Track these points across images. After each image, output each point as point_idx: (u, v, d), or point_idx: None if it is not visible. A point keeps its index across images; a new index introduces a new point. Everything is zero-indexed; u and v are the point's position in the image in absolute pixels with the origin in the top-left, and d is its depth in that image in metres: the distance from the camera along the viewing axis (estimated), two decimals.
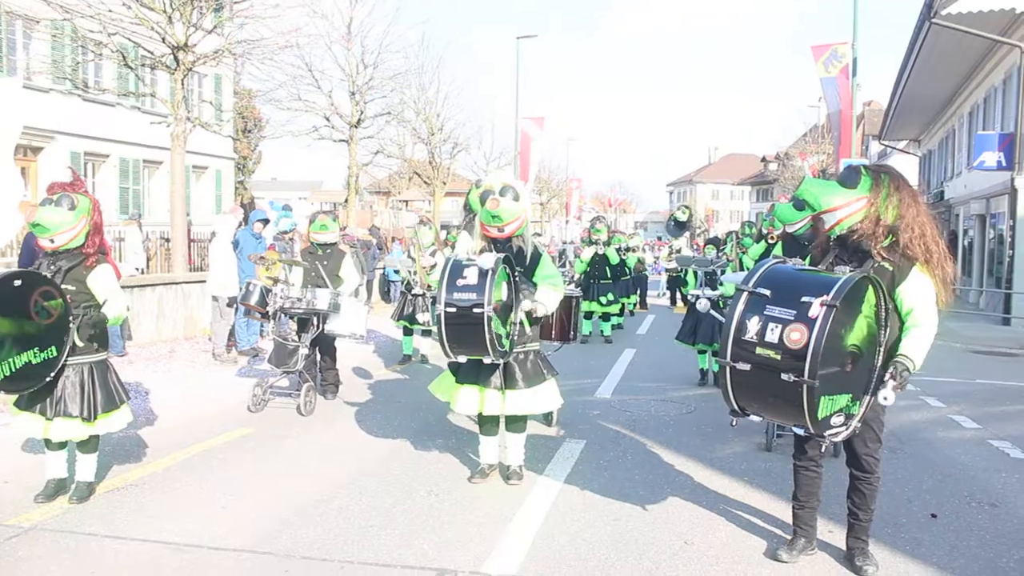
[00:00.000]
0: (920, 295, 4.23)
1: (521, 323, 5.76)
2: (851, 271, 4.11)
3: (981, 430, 8.00)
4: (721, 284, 9.50)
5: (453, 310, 5.25)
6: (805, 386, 3.77)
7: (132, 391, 9.07)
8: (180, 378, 10.27)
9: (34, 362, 5.08)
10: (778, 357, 3.87)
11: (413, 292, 11.21)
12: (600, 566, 4.51)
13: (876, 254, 4.29)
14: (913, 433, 7.67)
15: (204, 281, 12.89)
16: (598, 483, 6.01)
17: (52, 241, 5.31)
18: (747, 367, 3.96)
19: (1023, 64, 18.06)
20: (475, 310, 5.19)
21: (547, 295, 5.81)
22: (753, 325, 3.96)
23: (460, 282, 5.28)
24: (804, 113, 51.81)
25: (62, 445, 5.59)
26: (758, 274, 4.10)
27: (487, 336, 5.21)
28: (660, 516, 5.34)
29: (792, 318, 3.86)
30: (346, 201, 24.99)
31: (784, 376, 3.83)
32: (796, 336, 3.82)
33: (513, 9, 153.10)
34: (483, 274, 5.26)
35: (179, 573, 4.39)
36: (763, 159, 76.51)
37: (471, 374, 5.79)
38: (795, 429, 4.18)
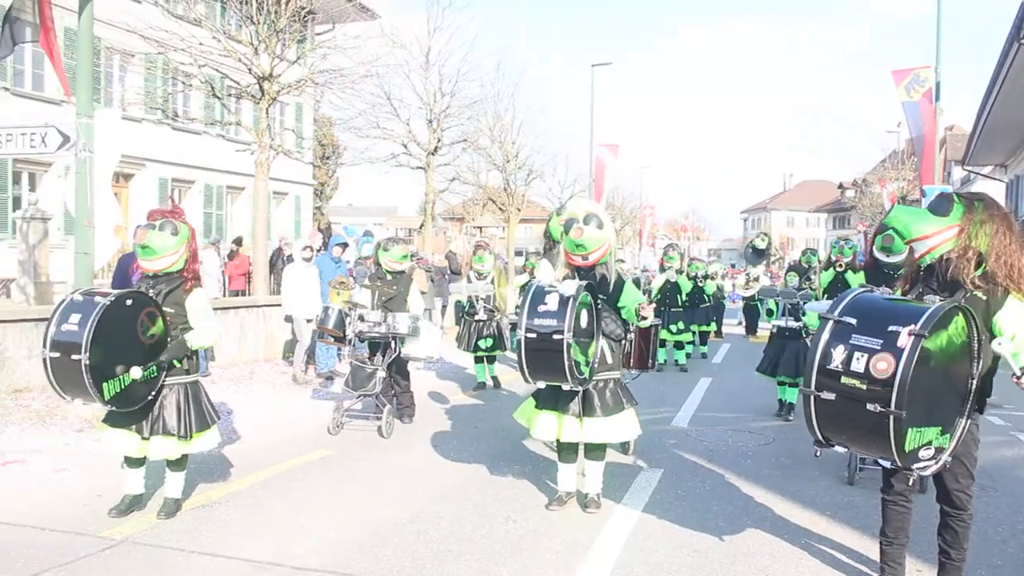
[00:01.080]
0: (1021, 320, 4.05)
1: (602, 351, 5.79)
2: (941, 300, 4.01)
3: None
4: (804, 314, 9.35)
5: (533, 336, 5.29)
6: (892, 417, 3.67)
7: (220, 410, 9.35)
8: (261, 399, 10.51)
9: (139, 381, 5.33)
10: (864, 387, 3.76)
11: (476, 318, 11.27)
12: None
13: (968, 283, 4.17)
14: (1006, 470, 7.40)
15: (278, 305, 13.20)
16: (676, 513, 5.94)
17: (155, 265, 5.55)
18: (832, 396, 3.87)
19: None
20: (555, 336, 5.21)
21: (637, 297, 5.97)
22: (838, 354, 3.85)
23: (541, 308, 5.32)
24: (882, 139, 50.76)
25: (141, 462, 5.76)
26: (844, 302, 4.01)
27: (566, 363, 5.22)
28: (740, 549, 5.25)
29: (879, 347, 3.76)
30: (421, 227, 25.31)
31: (870, 406, 3.73)
32: (883, 366, 3.71)
33: (587, 36, 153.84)
34: (564, 301, 5.29)
35: None
36: (840, 186, 75.14)
37: (550, 400, 5.81)
38: (881, 462, 4.09)
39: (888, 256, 4.39)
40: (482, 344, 11.22)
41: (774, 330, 9.73)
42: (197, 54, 14.20)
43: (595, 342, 5.71)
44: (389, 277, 8.99)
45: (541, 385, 5.56)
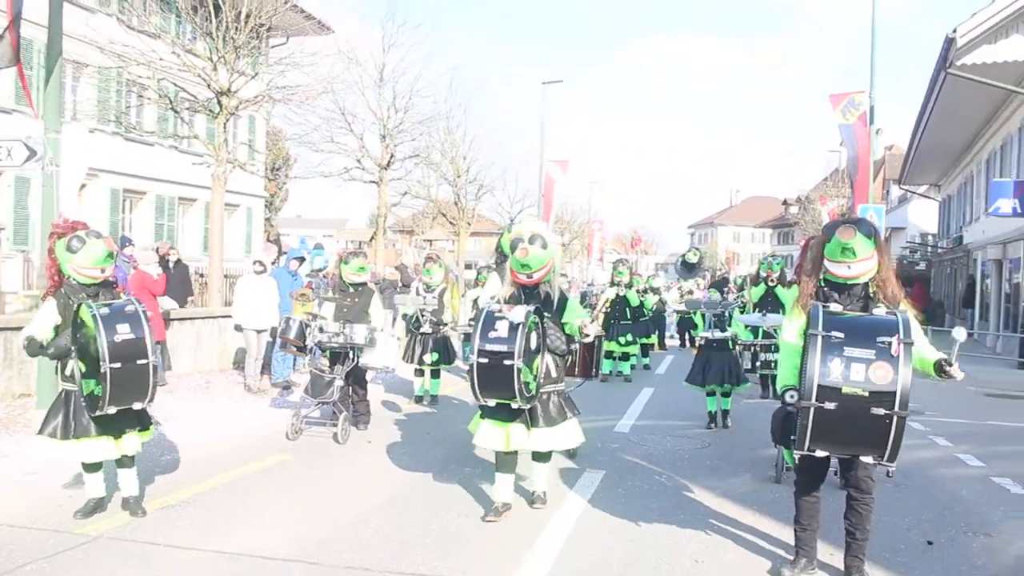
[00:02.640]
0: (919, 327, 4.73)
1: (547, 366, 6.11)
2: (886, 313, 4.64)
3: (985, 468, 8.35)
4: (730, 326, 9.90)
5: (485, 360, 5.66)
6: (896, 417, 4.28)
7: (177, 418, 9.65)
8: (219, 407, 10.80)
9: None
10: (866, 394, 4.33)
11: (422, 331, 11.44)
12: None
13: (887, 299, 4.82)
14: (919, 470, 8.03)
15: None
16: (616, 508, 6.43)
17: (104, 272, 5.83)
18: (833, 405, 4.38)
19: None
20: (505, 362, 5.59)
21: (579, 314, 6.34)
22: (836, 366, 4.40)
23: (492, 334, 5.67)
24: (825, 158, 52.21)
25: (99, 466, 5.97)
26: (820, 320, 4.54)
27: (516, 384, 5.60)
28: (674, 539, 5.75)
29: (874, 357, 4.35)
30: (371, 239, 25.65)
31: (875, 411, 4.30)
32: (882, 373, 4.32)
33: (539, 53, 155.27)
34: (513, 328, 5.64)
35: None
36: (784, 202, 76.94)
37: (499, 412, 6.02)
38: (864, 459, 4.62)
39: (849, 270, 4.79)
40: (427, 359, 11.39)
41: (702, 342, 10.19)
42: (156, 68, 14.42)
43: (540, 357, 5.99)
44: (351, 290, 9.37)
45: (491, 403, 5.86)
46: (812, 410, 4.41)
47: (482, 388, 5.78)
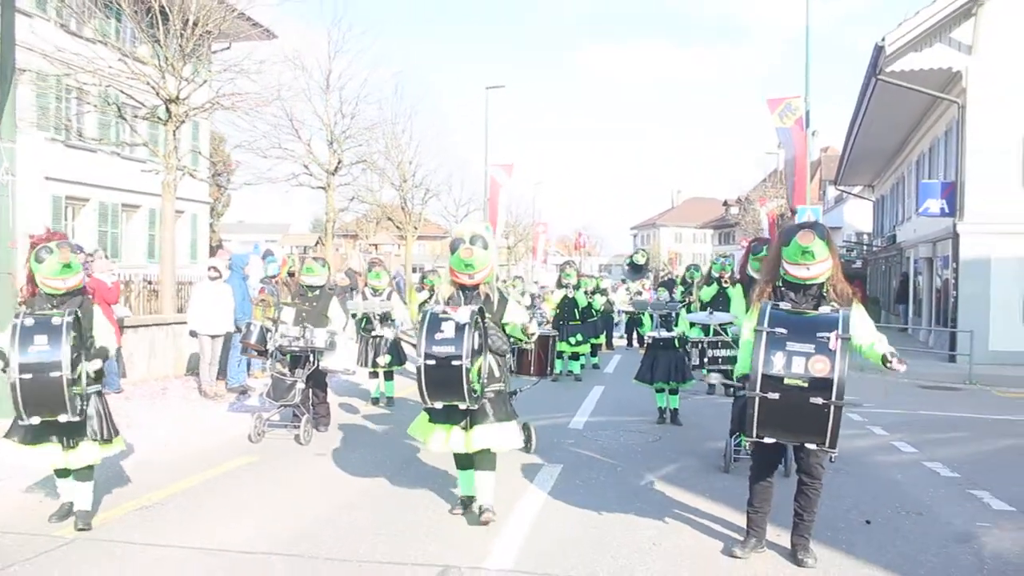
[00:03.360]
0: (870, 322, 5.21)
1: (489, 366, 6.07)
2: (832, 310, 5.00)
3: (918, 454, 8.88)
4: (676, 326, 10.27)
5: (433, 362, 5.60)
6: (832, 407, 4.65)
7: (138, 424, 9.72)
8: (178, 413, 10.86)
9: (78, 392, 5.67)
10: (805, 384, 4.71)
11: (374, 334, 11.58)
12: (582, 562, 5.28)
13: (839, 298, 5.20)
14: (857, 457, 8.51)
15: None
16: (576, 498, 6.76)
17: (66, 283, 5.83)
18: (776, 396, 4.76)
19: (961, 118, 19.36)
20: (454, 363, 5.55)
21: (519, 314, 6.35)
22: (778, 360, 4.78)
23: (438, 336, 5.61)
24: (764, 160, 53.38)
25: (66, 472, 5.98)
26: (766, 317, 4.92)
27: (464, 386, 5.58)
28: (631, 525, 6.10)
29: (813, 351, 4.73)
30: (317, 243, 25.73)
31: (813, 400, 4.68)
32: (820, 366, 4.70)
33: (483, 56, 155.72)
34: (459, 328, 5.61)
35: (218, 572, 5.07)
36: (725, 203, 78.32)
37: (442, 415, 5.95)
38: (808, 445, 4.98)
39: (808, 271, 5.02)
40: (380, 361, 11.53)
41: (649, 341, 10.56)
42: (104, 76, 14.39)
43: (483, 358, 5.94)
44: (309, 294, 9.57)
45: (439, 405, 5.80)
46: (757, 400, 4.78)
47: (430, 391, 5.72)
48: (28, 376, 5.40)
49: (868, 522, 6.23)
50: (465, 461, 6.30)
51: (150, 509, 6.38)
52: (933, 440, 9.78)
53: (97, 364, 5.97)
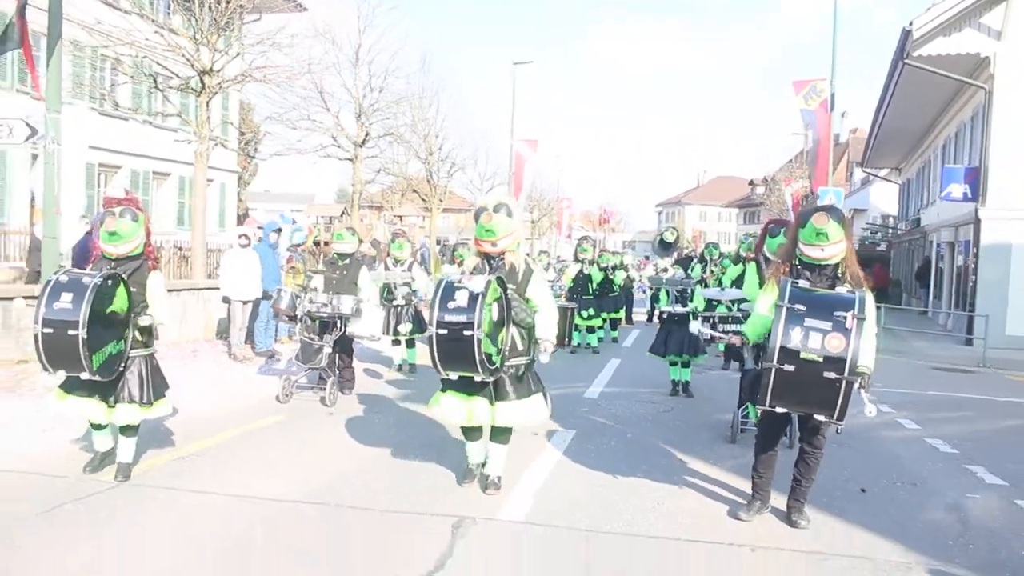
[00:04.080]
0: (873, 311, 5.28)
1: (512, 338, 5.95)
2: (848, 291, 5.23)
3: (920, 431, 9.16)
4: (691, 300, 10.57)
5: (444, 332, 5.49)
6: (844, 382, 4.90)
7: (172, 383, 10.14)
8: (209, 374, 11.36)
9: (113, 353, 5.91)
10: (820, 360, 4.94)
11: (395, 303, 11.85)
12: (588, 517, 5.67)
13: (852, 279, 5.42)
14: (861, 432, 8.80)
15: (218, 288, 13.96)
16: (587, 461, 7.13)
17: (119, 250, 6.07)
18: (792, 368, 4.99)
19: (987, 104, 19.39)
20: (465, 332, 5.41)
21: (548, 329, 6.05)
22: (796, 334, 5.00)
23: (451, 304, 5.49)
24: (790, 140, 53.04)
25: (102, 425, 6.29)
26: (787, 294, 5.15)
27: (477, 357, 5.43)
28: (639, 486, 6.47)
29: (830, 328, 4.95)
30: (343, 214, 26.16)
31: (827, 374, 4.91)
32: (835, 343, 4.92)
33: (511, 33, 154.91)
34: (473, 297, 5.46)
35: (255, 517, 5.50)
36: (751, 182, 78.04)
37: (461, 385, 5.90)
38: (817, 417, 5.23)
39: (823, 252, 5.23)
40: (402, 329, 11.83)
41: (664, 315, 10.87)
42: (140, 48, 14.80)
43: (505, 330, 5.84)
44: (340, 262, 9.93)
45: (454, 376, 5.71)
46: (773, 371, 5.00)
47: (443, 361, 5.61)
48: (49, 331, 5.58)
49: (863, 491, 6.56)
50: (476, 433, 6.25)
51: (185, 460, 6.83)
52: (937, 418, 10.05)
53: (147, 320, 6.22)
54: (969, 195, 20.10)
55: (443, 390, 6.05)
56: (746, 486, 6.18)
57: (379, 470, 6.73)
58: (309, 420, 8.60)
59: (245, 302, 13.02)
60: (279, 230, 14.83)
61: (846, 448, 7.96)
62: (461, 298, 5.49)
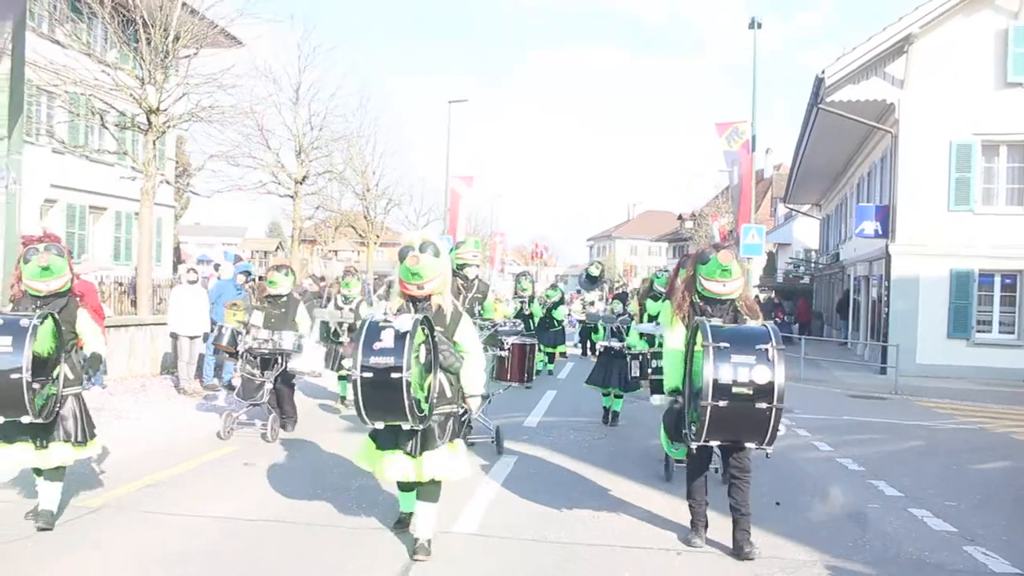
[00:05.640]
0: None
1: (440, 384, 5.59)
2: (760, 324, 5.68)
3: (832, 452, 10.02)
4: (627, 335, 11.27)
5: (370, 375, 5.07)
6: (774, 410, 5.23)
7: (126, 416, 10.52)
8: (160, 407, 11.71)
9: (50, 394, 5.82)
10: (751, 392, 5.21)
11: (340, 341, 12.06)
12: (533, 528, 6.33)
13: (751, 312, 5.97)
14: (778, 453, 9.43)
15: (165, 324, 14.25)
16: (528, 485, 7.75)
17: (48, 286, 5.91)
18: (725, 403, 5.23)
19: (893, 147, 20.81)
20: (392, 375, 5.02)
21: (475, 384, 5.77)
22: (726, 371, 5.23)
23: (377, 345, 5.08)
24: (716, 177, 54.85)
25: (38, 471, 6.04)
26: (710, 332, 5.35)
27: (406, 401, 5.05)
28: (576, 500, 7.16)
29: (755, 361, 5.28)
30: (277, 249, 26.47)
31: (759, 405, 5.21)
32: (762, 374, 5.21)
33: (443, 67, 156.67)
34: (400, 336, 5.09)
35: (233, 534, 6.01)
36: (679, 217, 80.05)
37: (390, 439, 5.53)
38: (748, 445, 5.61)
39: (724, 287, 5.68)
40: (346, 363, 12.10)
41: (601, 349, 11.54)
42: (87, 87, 15.14)
43: (433, 376, 5.47)
44: (278, 301, 10.04)
45: (380, 425, 5.36)
46: (709, 408, 5.26)
47: (368, 408, 5.18)
48: None
49: (778, 503, 7.32)
50: (407, 484, 5.86)
51: (156, 487, 7.26)
52: (848, 440, 10.94)
53: (86, 356, 6.17)
54: (880, 232, 21.44)
55: (377, 448, 5.67)
56: (673, 499, 6.85)
57: (336, 491, 7.23)
58: (264, 449, 9.04)
59: (192, 337, 13.36)
60: (248, 272, 15.03)
61: (762, 469, 8.68)
62: (387, 338, 5.10)
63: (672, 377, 5.98)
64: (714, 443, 5.54)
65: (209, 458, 8.48)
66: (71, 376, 6.08)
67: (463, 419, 6.10)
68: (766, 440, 5.40)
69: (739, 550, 5.83)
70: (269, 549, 5.73)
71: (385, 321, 5.20)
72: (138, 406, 11.61)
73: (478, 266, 9.11)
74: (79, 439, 6.06)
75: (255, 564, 5.46)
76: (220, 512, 6.50)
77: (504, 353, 9.05)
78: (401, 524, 6.13)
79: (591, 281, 20.02)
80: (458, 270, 8.61)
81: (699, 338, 5.51)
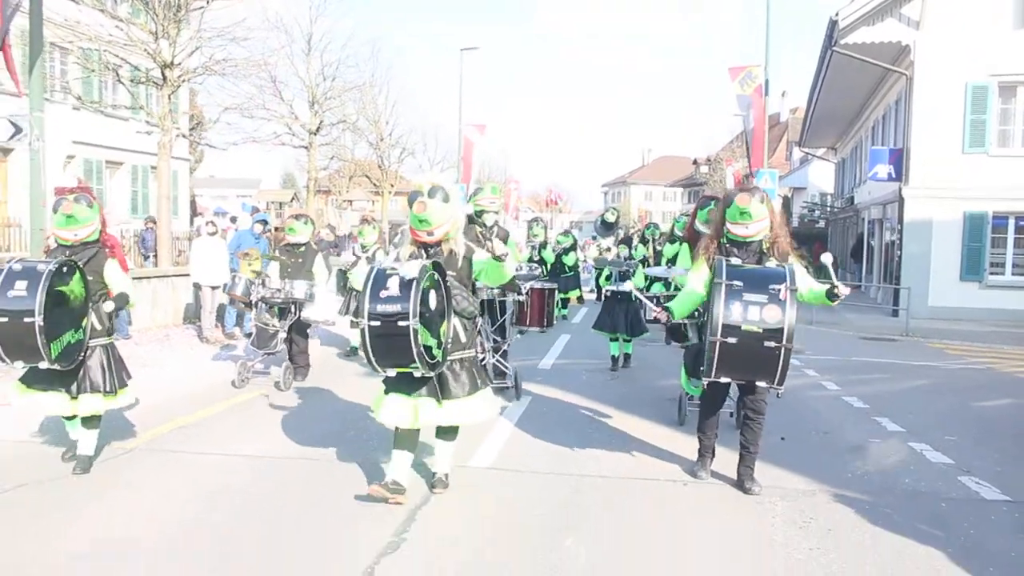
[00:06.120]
0: (808, 276, 5.93)
1: (455, 330, 5.61)
2: (777, 265, 5.71)
3: (840, 391, 10.27)
4: (632, 278, 11.42)
5: (377, 323, 5.10)
6: (783, 349, 5.30)
7: (152, 364, 10.87)
8: (184, 355, 12.09)
9: (72, 342, 5.87)
10: (760, 331, 5.29)
11: (357, 290, 12.27)
12: (545, 463, 6.64)
13: (780, 254, 5.95)
14: (788, 393, 9.69)
15: (187, 275, 14.60)
16: (542, 422, 8.05)
17: (76, 235, 6.01)
18: (734, 340, 5.31)
19: (908, 89, 20.70)
20: (399, 323, 5.03)
21: (509, 271, 5.73)
22: (736, 309, 5.32)
23: (383, 293, 5.11)
24: (732, 122, 54.42)
25: (72, 418, 6.26)
26: (724, 271, 5.44)
27: (414, 349, 5.06)
28: (587, 438, 7.45)
29: (767, 301, 5.39)
30: (293, 199, 26.73)
31: (767, 344, 5.29)
32: (772, 314, 5.29)
33: (456, 16, 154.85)
34: (406, 284, 5.08)
35: (262, 471, 6.35)
36: (694, 161, 79.57)
37: (403, 384, 5.50)
38: (760, 384, 5.68)
39: (747, 230, 5.79)
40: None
41: (608, 294, 11.63)
42: (103, 43, 15.28)
43: (447, 321, 5.47)
44: (296, 250, 10.25)
45: (391, 373, 5.35)
46: (718, 344, 5.29)
47: (377, 356, 5.21)
48: (4, 320, 5.51)
49: (783, 439, 7.58)
50: (408, 442, 5.71)
51: (187, 428, 7.61)
52: (856, 380, 11.18)
53: (110, 306, 6.20)
54: (893, 175, 21.43)
55: (386, 391, 5.64)
56: (681, 436, 7.13)
57: (358, 431, 7.55)
58: (282, 396, 9.33)
59: (214, 287, 13.67)
60: (265, 222, 15.33)
61: (773, 406, 8.95)
62: (394, 285, 5.11)
63: (680, 308, 6.09)
64: (724, 379, 5.65)
65: (232, 403, 8.82)
66: (98, 327, 6.16)
67: (482, 363, 6.14)
68: (776, 379, 5.50)
69: (740, 484, 6.07)
70: (294, 488, 6.02)
71: (392, 269, 5.22)
72: (163, 354, 11.98)
73: (497, 212, 9.00)
74: (108, 389, 6.17)
75: (284, 501, 5.79)
76: (248, 451, 6.84)
77: (523, 298, 9.15)
78: (386, 489, 5.52)
79: (606, 227, 20.10)
80: (476, 216, 8.63)
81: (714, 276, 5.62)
